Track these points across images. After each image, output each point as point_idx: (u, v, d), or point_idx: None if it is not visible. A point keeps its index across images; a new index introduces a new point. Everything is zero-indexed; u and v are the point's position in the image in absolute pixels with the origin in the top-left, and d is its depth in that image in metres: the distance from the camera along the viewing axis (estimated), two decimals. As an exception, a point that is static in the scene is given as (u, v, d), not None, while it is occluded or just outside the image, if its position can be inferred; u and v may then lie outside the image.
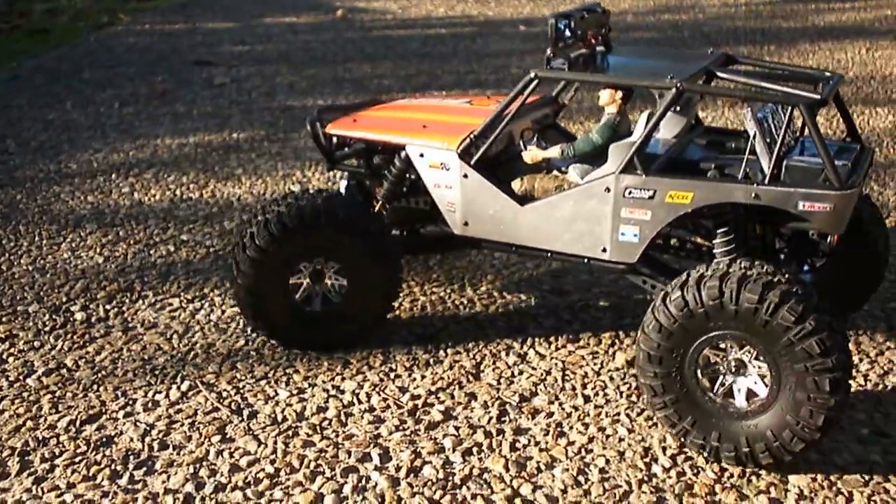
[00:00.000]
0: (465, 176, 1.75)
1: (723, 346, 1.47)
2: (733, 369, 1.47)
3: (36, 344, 1.87)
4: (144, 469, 1.50)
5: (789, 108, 1.58)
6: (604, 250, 1.66)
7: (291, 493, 1.45)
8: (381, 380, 1.74)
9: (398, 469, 1.50)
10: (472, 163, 1.75)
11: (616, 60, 1.80)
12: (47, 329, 1.93)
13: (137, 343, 1.87)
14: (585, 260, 1.70)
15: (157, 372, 1.77)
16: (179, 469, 1.50)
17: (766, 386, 1.44)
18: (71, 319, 1.97)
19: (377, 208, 1.92)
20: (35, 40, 4.76)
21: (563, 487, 1.46)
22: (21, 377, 1.75)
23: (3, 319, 1.97)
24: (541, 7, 5.81)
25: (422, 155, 1.80)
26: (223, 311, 1.99)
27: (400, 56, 4.45)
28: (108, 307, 2.02)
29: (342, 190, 1.99)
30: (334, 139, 1.95)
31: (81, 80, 3.98)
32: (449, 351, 1.84)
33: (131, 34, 4.91)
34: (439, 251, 2.14)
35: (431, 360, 1.80)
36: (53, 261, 2.25)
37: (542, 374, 1.76)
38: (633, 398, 1.68)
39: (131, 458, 1.52)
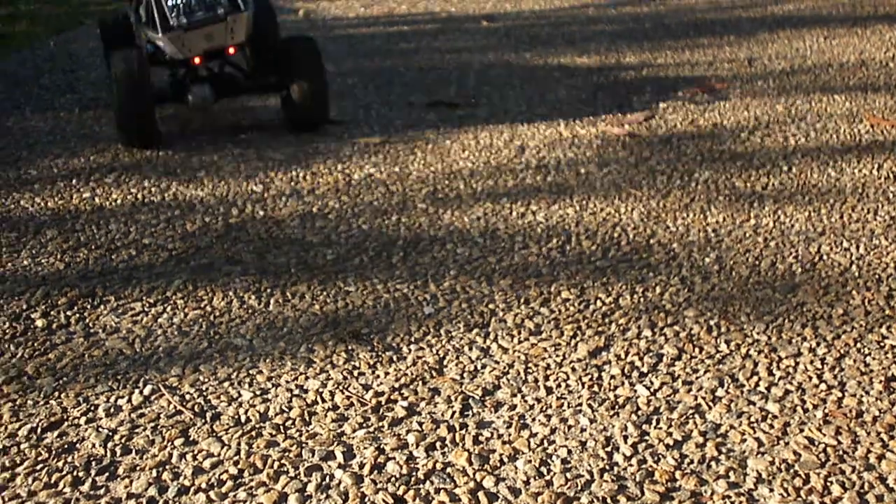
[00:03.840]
0: None
1: None
2: None
3: (-4, 352, 1.86)
4: (107, 475, 1.49)
5: None
6: None
7: (255, 493, 1.45)
8: (345, 378, 1.75)
9: (362, 466, 1.50)
10: None
11: None
12: (7, 337, 1.91)
13: (99, 348, 1.87)
14: None
15: (119, 377, 1.76)
16: (142, 473, 1.49)
17: None
18: (31, 327, 1.95)
19: None
20: (-7, 46, 4.71)
21: (525, 479, 1.47)
22: (-19, 386, 1.74)
23: (-37, 329, 1.96)
24: (503, 2, 5.83)
25: None
26: (186, 315, 1.99)
27: (363, 54, 4.45)
28: (69, 313, 2.01)
29: None
30: None
31: (41, 86, 3.94)
32: (412, 347, 1.85)
33: (92, 38, 4.85)
34: None
35: (395, 357, 1.81)
36: (13, 268, 2.23)
37: (504, 368, 1.77)
38: (595, 389, 1.70)
39: (93, 464, 1.52)
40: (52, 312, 2.01)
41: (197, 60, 2.83)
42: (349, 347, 1.84)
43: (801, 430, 1.56)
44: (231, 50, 2.88)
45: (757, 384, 1.69)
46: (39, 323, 1.97)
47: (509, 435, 1.57)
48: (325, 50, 4.57)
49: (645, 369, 1.75)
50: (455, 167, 2.85)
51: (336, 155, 2.98)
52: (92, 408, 1.67)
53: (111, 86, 2.89)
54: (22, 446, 1.56)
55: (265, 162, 2.93)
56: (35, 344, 1.89)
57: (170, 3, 2.69)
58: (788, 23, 4.97)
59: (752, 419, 1.59)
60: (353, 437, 1.57)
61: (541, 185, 2.68)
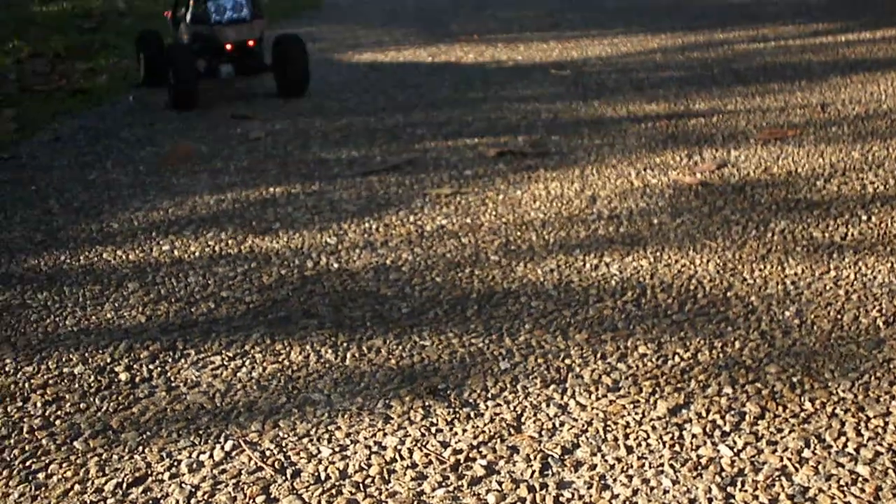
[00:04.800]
0: None
1: None
2: None
3: (82, 406, 1.90)
4: (191, 531, 1.51)
5: None
6: None
7: (336, 553, 1.45)
8: (423, 434, 1.75)
9: (442, 526, 1.50)
10: None
11: None
12: (93, 391, 1.96)
13: (181, 403, 1.90)
14: None
15: (200, 432, 1.79)
16: (225, 531, 1.51)
17: None
18: (115, 380, 2.00)
19: None
20: (76, 100, 4.87)
21: (608, 542, 1.45)
22: (68, 440, 1.78)
23: (50, 382, 2.01)
24: (570, 50, 5.86)
25: None
26: (264, 369, 2.01)
27: (431, 104, 4.50)
28: (151, 367, 2.05)
29: None
30: None
31: (121, 139, 4.07)
32: (489, 403, 1.84)
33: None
34: None
35: (472, 414, 1.81)
36: (97, 321, 2.29)
37: (583, 426, 1.75)
38: (677, 448, 1.67)
39: (178, 520, 1.54)
40: (134, 366, 2.05)
41: (228, 47, 4.22)
42: (426, 403, 1.84)
43: (895, 495, 1.51)
44: (251, 42, 4.27)
45: (845, 445, 1.65)
46: (123, 376, 2.01)
47: (590, 496, 1.55)
48: (394, 100, 4.65)
49: (727, 428, 1.72)
50: (526, 218, 2.85)
51: (408, 206, 3.01)
52: (175, 463, 1.69)
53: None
54: (108, 501, 1.59)
55: (338, 213, 2.98)
56: (119, 397, 1.93)
57: (211, 8, 4.14)
58: (861, 66, 4.90)
59: (842, 482, 1.55)
60: (433, 497, 1.57)
61: (613, 236, 2.67)
